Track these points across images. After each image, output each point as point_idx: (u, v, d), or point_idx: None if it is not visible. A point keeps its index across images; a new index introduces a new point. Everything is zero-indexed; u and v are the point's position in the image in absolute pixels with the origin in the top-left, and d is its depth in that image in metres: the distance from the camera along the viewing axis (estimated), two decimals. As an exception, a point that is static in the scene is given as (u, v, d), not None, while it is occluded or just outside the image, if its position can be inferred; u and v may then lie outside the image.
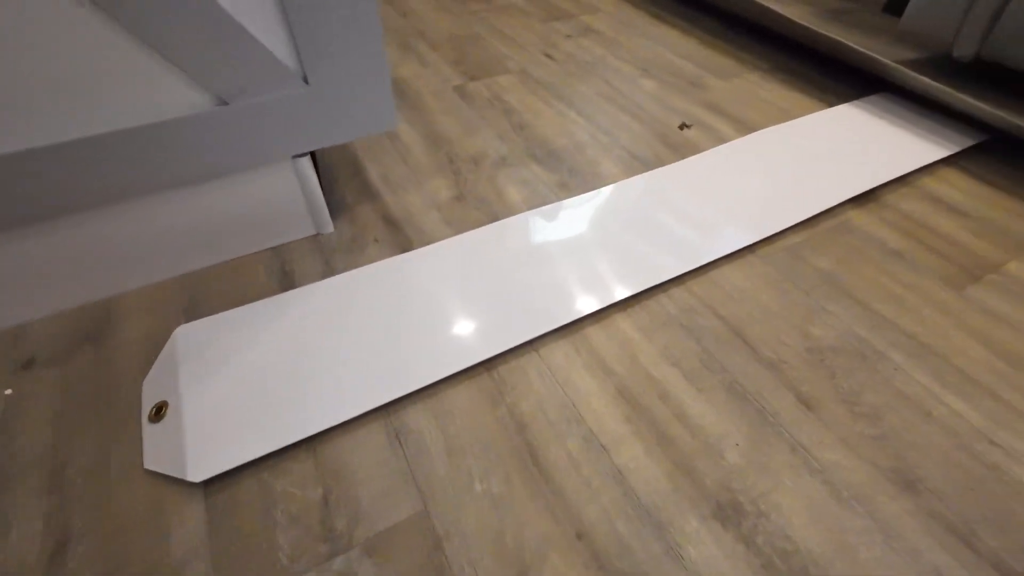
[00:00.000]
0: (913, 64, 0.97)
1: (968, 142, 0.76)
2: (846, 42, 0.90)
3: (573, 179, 0.70)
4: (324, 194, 0.60)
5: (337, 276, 0.55)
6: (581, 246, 0.59)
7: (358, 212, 0.64)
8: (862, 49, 0.88)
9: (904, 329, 0.51)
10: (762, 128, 0.79)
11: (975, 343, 0.50)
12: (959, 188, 0.69)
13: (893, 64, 0.85)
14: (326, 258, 0.58)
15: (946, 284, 0.56)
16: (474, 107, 0.84)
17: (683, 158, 0.73)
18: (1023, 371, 0.48)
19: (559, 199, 0.66)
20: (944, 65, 0.96)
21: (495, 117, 0.81)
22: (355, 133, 0.54)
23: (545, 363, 0.48)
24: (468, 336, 0.49)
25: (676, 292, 0.55)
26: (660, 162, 0.73)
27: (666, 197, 0.66)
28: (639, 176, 0.69)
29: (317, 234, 0.61)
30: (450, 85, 0.89)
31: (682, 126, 0.80)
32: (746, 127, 0.80)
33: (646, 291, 0.54)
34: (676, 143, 0.77)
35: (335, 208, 0.64)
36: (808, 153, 0.73)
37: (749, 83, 0.90)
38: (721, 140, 0.77)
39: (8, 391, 0.45)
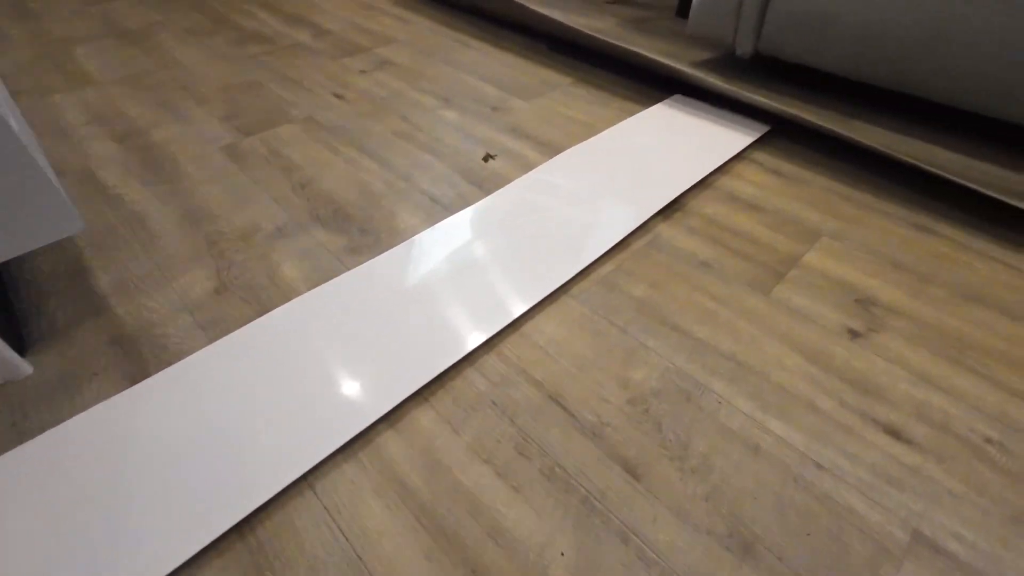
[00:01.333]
0: (704, 64, 1.02)
1: (755, 135, 0.79)
2: (636, 50, 0.91)
3: (365, 239, 0.60)
4: (19, 323, 0.44)
5: (28, 443, 0.40)
6: (369, 329, 0.49)
7: (75, 337, 0.49)
8: (651, 55, 0.90)
9: (722, 350, 0.48)
10: (567, 148, 0.76)
11: (788, 349, 0.49)
12: (753, 182, 0.70)
13: (679, 67, 0.87)
14: (15, 417, 0.42)
15: (754, 289, 0.55)
16: (247, 169, 0.71)
17: (489, 193, 0.67)
18: (830, 371, 0.47)
19: (347, 268, 0.56)
20: (731, 63, 1.02)
21: (272, 178, 0.69)
22: (9, 251, 0.40)
23: (322, 503, 0.37)
24: (215, 494, 0.37)
25: (486, 360, 0.47)
26: (464, 201, 0.66)
27: (470, 246, 0.58)
28: (441, 224, 0.62)
29: (3, 383, 0.45)
30: (217, 146, 0.75)
31: (487, 157, 0.74)
32: (551, 148, 0.76)
33: (450, 368, 0.46)
34: (481, 177, 0.70)
35: (39, 338, 0.48)
36: (612, 170, 0.71)
37: (552, 101, 0.88)
38: (527, 167, 0.72)
39: None
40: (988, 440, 0.42)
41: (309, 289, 0.54)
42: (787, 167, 0.73)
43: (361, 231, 0.61)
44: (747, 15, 0.88)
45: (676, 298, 0.53)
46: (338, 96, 0.88)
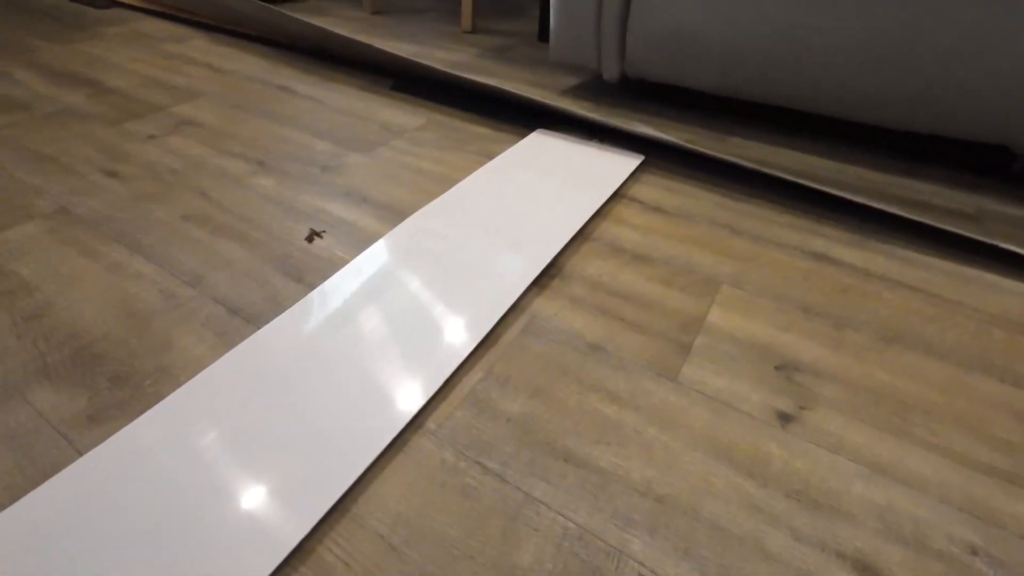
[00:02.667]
0: (571, 91, 0.93)
1: (631, 167, 0.70)
2: (484, 81, 0.80)
3: (117, 395, 0.41)
4: None
5: None
6: (111, 547, 0.30)
7: None
8: (501, 85, 0.79)
9: (634, 481, 0.36)
10: (414, 210, 0.62)
11: (714, 461, 0.37)
12: (636, 226, 0.61)
13: (536, 98, 0.77)
14: None
15: (659, 375, 0.43)
16: (-59, 303, 0.48)
17: (312, 288, 0.51)
18: (770, 484, 0.35)
19: (80, 451, 0.37)
20: (600, 88, 0.94)
21: (-19, 311, 0.47)
22: None
23: None
24: None
25: (300, 572, 0.31)
26: (277, 306, 0.49)
27: (274, 382, 0.41)
28: (239, 348, 0.44)
29: None
30: (-101, 271, 0.51)
31: (311, 236, 0.58)
32: (395, 212, 0.61)
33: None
34: (302, 266, 0.54)
35: None
36: (470, 233, 0.57)
37: (396, 151, 0.74)
38: (365, 242, 0.57)
39: None
40: (973, 550, 0.33)
41: (12, 501, 0.33)
42: (669, 201, 0.65)
43: (113, 380, 0.42)
44: (607, 38, 0.80)
45: (566, 408, 0.40)
46: (110, 174, 0.67)
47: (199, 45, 1.10)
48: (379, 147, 0.75)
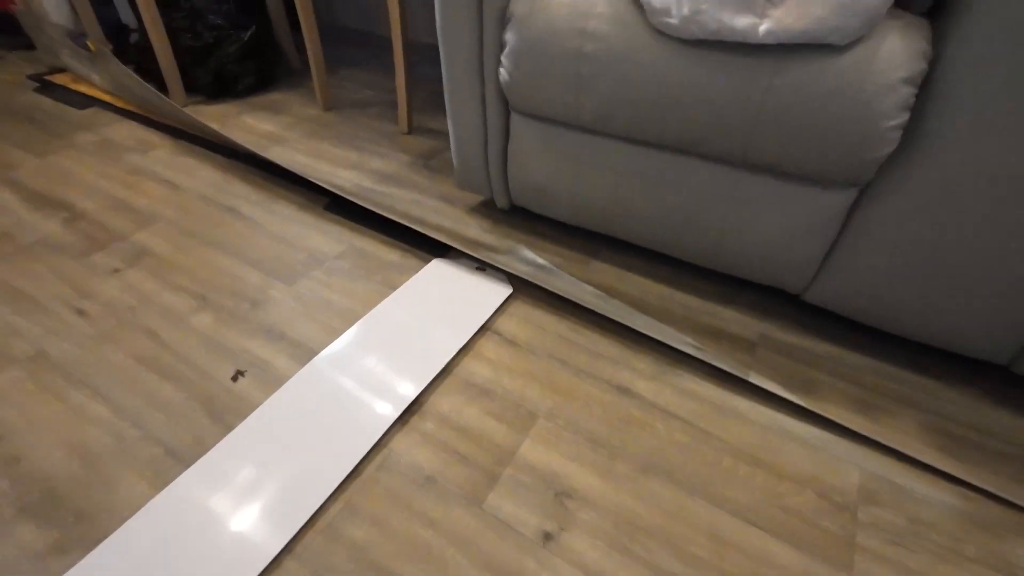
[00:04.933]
0: (477, 208, 1.11)
1: (502, 297, 0.87)
2: (393, 217, 0.97)
3: (79, 529, 0.57)
4: None
5: None
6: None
7: None
8: (406, 221, 0.97)
9: (430, 590, 0.53)
10: (320, 348, 0.78)
11: (488, 574, 0.54)
12: (489, 360, 0.78)
13: (429, 232, 0.95)
14: None
15: (469, 502, 0.61)
16: (-54, 449, 0.64)
17: (229, 429, 0.67)
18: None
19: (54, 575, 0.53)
20: (499, 211, 1.12)
21: (-23, 456, 0.64)
22: None
23: None
24: None
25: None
26: (201, 446, 0.65)
27: (188, 515, 0.58)
28: (169, 489, 0.60)
29: None
30: (-88, 419, 0.67)
31: (236, 376, 0.74)
32: (304, 351, 0.78)
33: None
34: (224, 407, 0.70)
35: None
36: (359, 372, 0.74)
37: (314, 282, 0.91)
38: (277, 381, 0.73)
39: None
40: (635, 640, 0.50)
41: (-3, 623, 0.50)
42: (523, 334, 0.82)
43: (76, 517, 0.58)
44: (496, 181, 0.98)
45: (395, 534, 0.57)
46: (80, 312, 0.83)
47: (160, 156, 1.26)
48: (301, 278, 0.91)
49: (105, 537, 0.56)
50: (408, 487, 0.62)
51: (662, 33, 0.65)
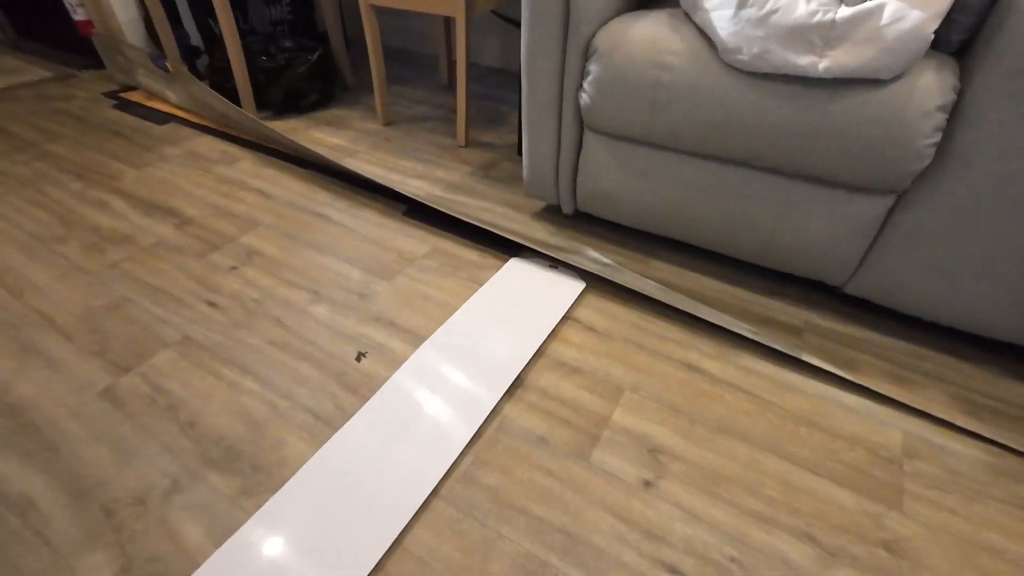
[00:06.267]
0: (540, 213, 1.23)
1: (576, 291, 1.00)
2: (472, 221, 1.10)
3: (257, 477, 0.69)
4: None
5: None
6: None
7: (-18, 666, 0.52)
8: (486, 226, 1.09)
9: (556, 524, 0.64)
10: (428, 334, 0.90)
11: (602, 513, 0.66)
12: (574, 344, 0.90)
13: (508, 236, 1.07)
14: None
15: (577, 457, 0.72)
16: (131, 416, 0.76)
17: (365, 400, 0.79)
18: (631, 525, 0.64)
19: (247, 513, 0.65)
20: (562, 212, 1.24)
21: (158, 421, 0.75)
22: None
23: None
24: None
25: (377, 584, 0.59)
26: (344, 413, 0.77)
27: (348, 467, 0.69)
28: (325, 447, 0.72)
29: None
30: (94, 391, 0.79)
31: (359, 356, 0.86)
32: (414, 336, 0.90)
33: (349, 601, 0.57)
34: (356, 382, 0.82)
35: None
36: (466, 354, 0.86)
37: (409, 279, 1.03)
38: (395, 361, 0.85)
39: None
40: (732, 559, 0.62)
41: (215, 547, 0.61)
42: (599, 322, 0.94)
43: (253, 468, 0.70)
44: (564, 190, 1.10)
45: (521, 481, 0.69)
46: (211, 304, 0.95)
47: (246, 167, 1.39)
48: (397, 275, 1.04)
49: (283, 484, 0.68)
50: (525, 445, 0.73)
51: (731, 66, 0.78)
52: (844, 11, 0.67)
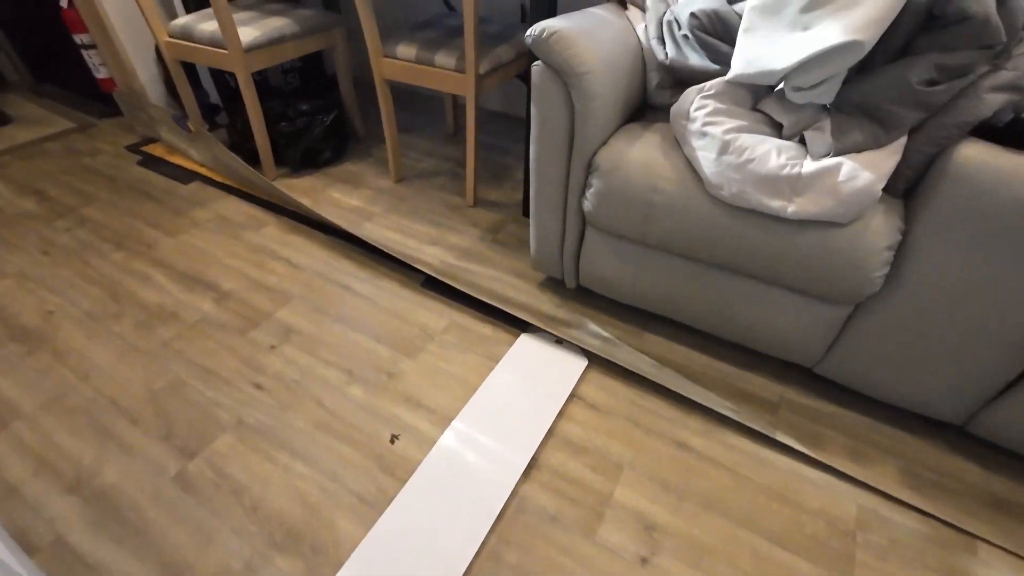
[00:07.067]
0: (547, 282, 1.36)
1: (580, 369, 1.13)
2: (483, 299, 1.22)
3: (317, 559, 0.82)
4: None
5: None
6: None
7: None
8: (497, 303, 1.21)
9: (570, 594, 0.78)
10: (453, 414, 1.03)
11: (609, 580, 0.80)
12: (579, 423, 1.03)
13: (517, 314, 1.19)
14: None
15: (585, 535, 0.86)
16: (202, 500, 0.88)
17: (402, 483, 0.92)
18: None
19: (312, 594, 0.78)
20: (565, 287, 1.36)
21: (227, 506, 0.88)
22: None
23: None
24: None
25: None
26: (385, 496, 0.90)
27: (394, 551, 0.82)
28: (373, 530, 0.85)
29: None
30: (167, 476, 0.92)
31: (393, 439, 0.99)
32: (441, 417, 1.03)
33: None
34: (392, 463, 0.95)
35: None
36: (488, 437, 0.99)
37: (432, 356, 1.15)
38: (427, 443, 0.98)
39: None
40: (711, 627, 0.76)
41: (287, 624, 0.74)
42: (601, 399, 1.07)
43: (313, 550, 0.83)
44: (568, 268, 1.23)
45: (539, 558, 0.83)
46: (258, 386, 1.07)
47: (272, 234, 1.50)
48: (419, 352, 1.16)
49: (340, 566, 0.81)
50: (540, 523, 0.87)
51: (714, 196, 0.90)
52: (809, 166, 0.80)
